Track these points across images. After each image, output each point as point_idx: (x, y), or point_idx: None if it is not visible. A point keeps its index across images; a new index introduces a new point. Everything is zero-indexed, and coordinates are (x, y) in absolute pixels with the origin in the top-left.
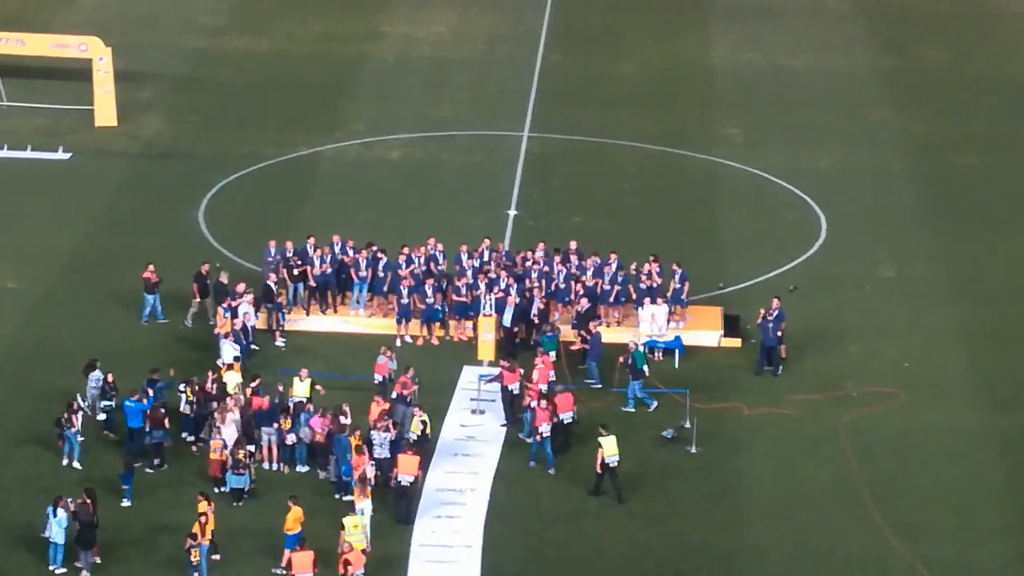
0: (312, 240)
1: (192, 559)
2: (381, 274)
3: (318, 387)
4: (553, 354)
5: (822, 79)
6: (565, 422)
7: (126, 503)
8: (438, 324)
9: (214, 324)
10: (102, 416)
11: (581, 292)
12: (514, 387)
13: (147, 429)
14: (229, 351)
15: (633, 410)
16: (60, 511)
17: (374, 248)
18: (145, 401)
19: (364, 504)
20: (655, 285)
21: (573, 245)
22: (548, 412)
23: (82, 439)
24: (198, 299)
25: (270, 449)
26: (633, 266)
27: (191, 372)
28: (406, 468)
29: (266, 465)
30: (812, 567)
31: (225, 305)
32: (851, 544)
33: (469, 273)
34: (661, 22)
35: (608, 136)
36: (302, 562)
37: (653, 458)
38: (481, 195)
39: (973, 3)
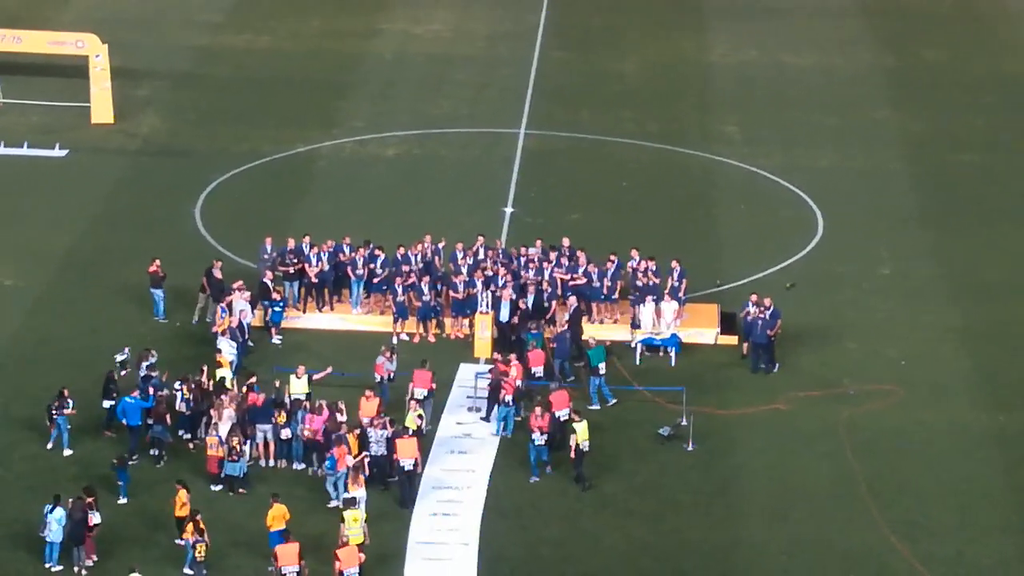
0: (307, 239)
1: (197, 555)
2: (380, 271)
3: (323, 372)
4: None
5: (821, 78)
6: (561, 419)
7: (123, 500)
8: (434, 321)
9: (212, 322)
10: (108, 403)
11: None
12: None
13: (149, 423)
14: (227, 348)
15: (598, 407)
16: (58, 510)
17: (371, 246)
18: (146, 399)
19: (358, 492)
20: (652, 283)
21: (566, 242)
22: (545, 419)
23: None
24: (207, 294)
25: (266, 446)
26: (630, 264)
27: (188, 369)
28: (405, 452)
29: (263, 462)
30: (810, 564)
31: (223, 305)
32: (849, 541)
33: (465, 270)
34: (660, 20)
35: (606, 134)
36: (287, 553)
37: (650, 456)
38: (478, 192)
39: (972, 2)
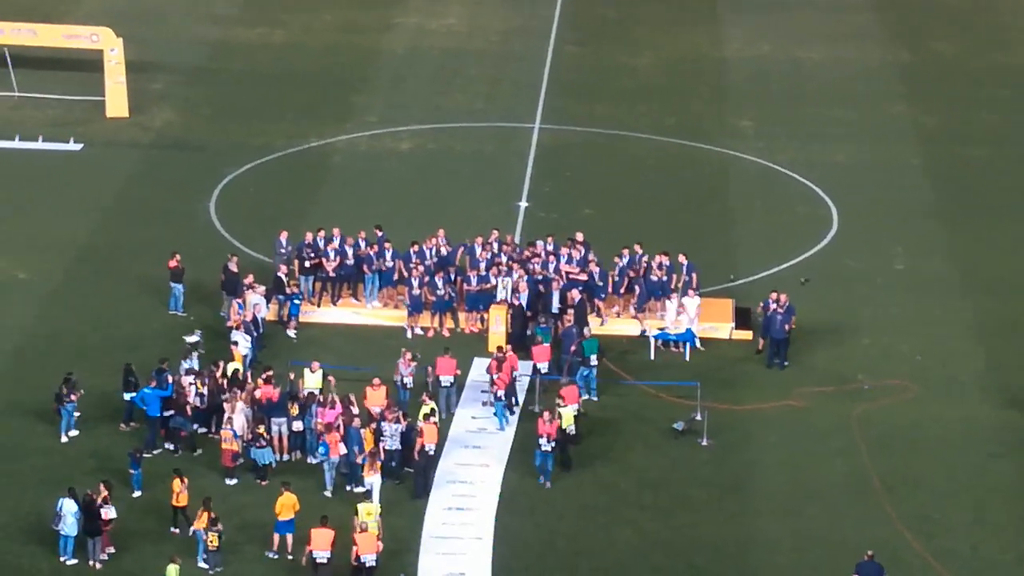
0: (323, 233)
1: (209, 544)
2: (390, 263)
3: (330, 378)
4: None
5: (835, 72)
6: (572, 414)
7: (137, 493)
8: (449, 315)
9: (227, 316)
10: (128, 396)
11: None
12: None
13: (167, 414)
14: (242, 342)
15: (587, 397)
16: (71, 503)
17: (379, 234)
18: (164, 388)
19: (374, 478)
20: (665, 278)
21: (580, 236)
22: (553, 426)
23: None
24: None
25: (280, 439)
26: (644, 259)
27: (203, 363)
28: (431, 437)
29: (277, 456)
30: (822, 560)
31: (240, 301)
32: (862, 537)
33: (482, 265)
34: (674, 14)
35: (620, 128)
36: (321, 539)
37: (664, 451)
38: (492, 187)
39: None
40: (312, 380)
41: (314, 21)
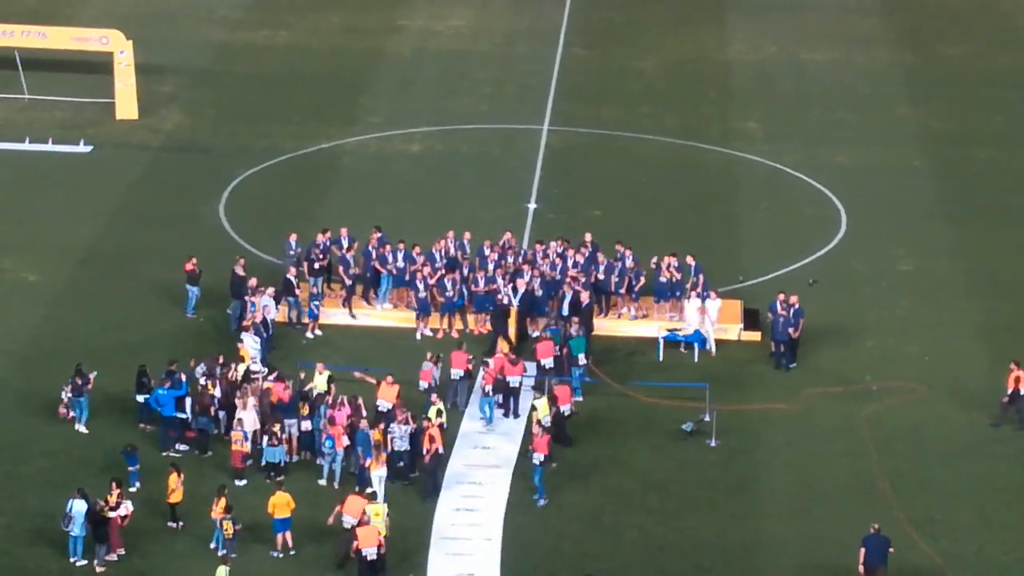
0: (328, 235)
1: (225, 533)
2: (401, 264)
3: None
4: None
5: (841, 74)
6: (565, 414)
7: (135, 487)
8: (458, 317)
9: (232, 317)
10: (142, 398)
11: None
12: (513, 380)
13: (192, 415)
14: (251, 344)
15: (580, 399)
16: (80, 503)
17: (379, 235)
18: (178, 387)
19: (380, 471)
20: (675, 280)
21: (588, 237)
22: (546, 440)
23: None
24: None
25: (290, 440)
26: (653, 260)
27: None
28: (437, 440)
29: (287, 457)
30: (829, 561)
31: (253, 300)
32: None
33: (490, 267)
34: (680, 16)
35: (627, 130)
36: (367, 536)
37: (672, 452)
38: (500, 188)
39: None
40: (318, 382)
41: (321, 23)
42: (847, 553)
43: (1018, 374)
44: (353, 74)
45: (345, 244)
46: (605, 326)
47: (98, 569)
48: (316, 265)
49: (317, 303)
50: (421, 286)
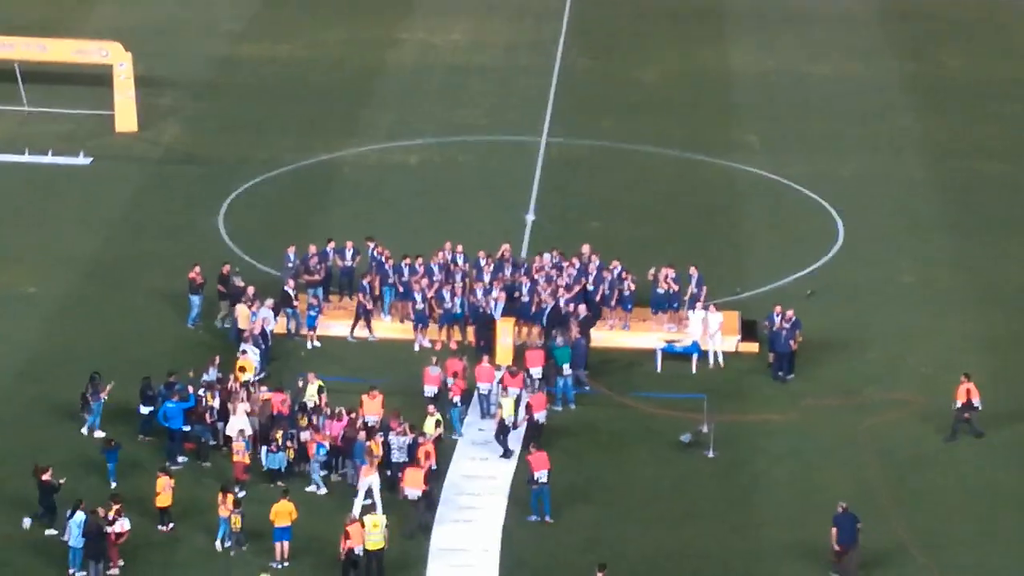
0: (332, 244)
1: (233, 527)
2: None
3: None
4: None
5: (842, 85)
6: (540, 422)
7: (112, 485)
8: (456, 328)
9: (232, 326)
10: (146, 410)
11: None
12: (512, 392)
13: (188, 425)
14: (251, 354)
15: (560, 408)
16: (78, 514)
17: (371, 245)
18: (186, 399)
19: (372, 479)
20: (672, 291)
21: (586, 249)
22: (544, 457)
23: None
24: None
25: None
26: (651, 272)
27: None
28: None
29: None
30: (829, 572)
31: (253, 309)
32: (869, 550)
33: (487, 278)
34: (681, 29)
35: (627, 142)
36: (358, 534)
37: (671, 463)
38: (499, 200)
39: (995, 8)
40: (309, 391)
41: (321, 36)
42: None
43: (968, 386)
44: (353, 87)
45: (349, 255)
46: (602, 337)
47: None
48: (318, 276)
49: (314, 314)
50: (419, 298)
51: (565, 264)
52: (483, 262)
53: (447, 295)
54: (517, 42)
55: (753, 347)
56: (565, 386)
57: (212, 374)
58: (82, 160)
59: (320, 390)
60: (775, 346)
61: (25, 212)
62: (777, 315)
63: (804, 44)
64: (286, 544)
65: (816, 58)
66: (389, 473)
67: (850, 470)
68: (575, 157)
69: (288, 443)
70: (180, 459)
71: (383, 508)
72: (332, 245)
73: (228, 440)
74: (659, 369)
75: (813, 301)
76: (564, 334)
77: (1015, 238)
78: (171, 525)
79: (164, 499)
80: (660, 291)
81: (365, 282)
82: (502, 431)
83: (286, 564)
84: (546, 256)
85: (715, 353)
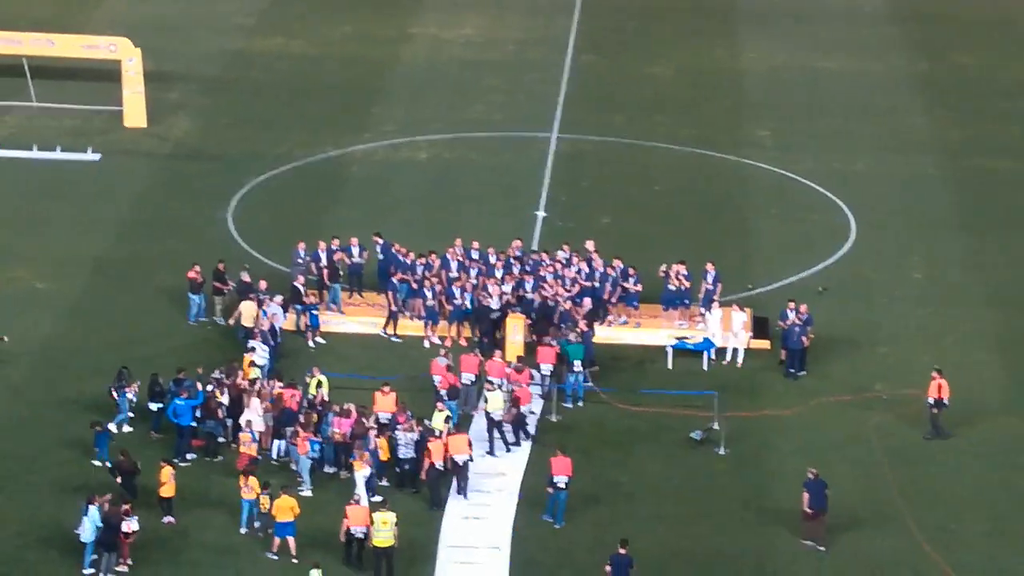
0: (336, 241)
1: (263, 506)
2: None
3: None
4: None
5: (854, 82)
6: (525, 416)
7: (97, 463)
8: (467, 323)
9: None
10: (155, 406)
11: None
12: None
13: (199, 419)
14: (260, 351)
15: (570, 405)
16: (92, 509)
17: (380, 241)
18: (195, 396)
19: (363, 471)
20: (684, 288)
21: (591, 245)
22: (566, 463)
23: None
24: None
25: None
26: (662, 268)
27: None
28: (458, 448)
29: (293, 467)
30: (841, 571)
31: (265, 308)
32: (880, 548)
33: (498, 274)
34: (692, 25)
35: (638, 138)
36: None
37: (682, 460)
38: (510, 196)
39: (1008, 7)
40: (312, 386)
41: (332, 31)
42: (859, 562)
43: (940, 382)
44: (364, 82)
45: (356, 252)
46: (613, 335)
47: None
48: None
49: (316, 311)
50: (429, 294)
51: (575, 260)
52: (493, 258)
53: (457, 292)
54: (528, 38)
55: (765, 344)
56: (576, 383)
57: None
58: (91, 156)
59: (319, 385)
60: (788, 342)
61: (33, 208)
62: (791, 311)
63: (815, 40)
64: (291, 540)
65: (827, 55)
66: (398, 470)
67: (861, 467)
68: (586, 153)
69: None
70: (189, 456)
71: (391, 505)
72: (336, 243)
73: (238, 434)
74: (670, 366)
75: (825, 297)
76: (574, 330)
77: None
78: (171, 518)
79: (168, 489)
80: (672, 288)
81: (396, 280)
82: (493, 425)
83: (294, 561)
84: (559, 253)
85: (734, 351)
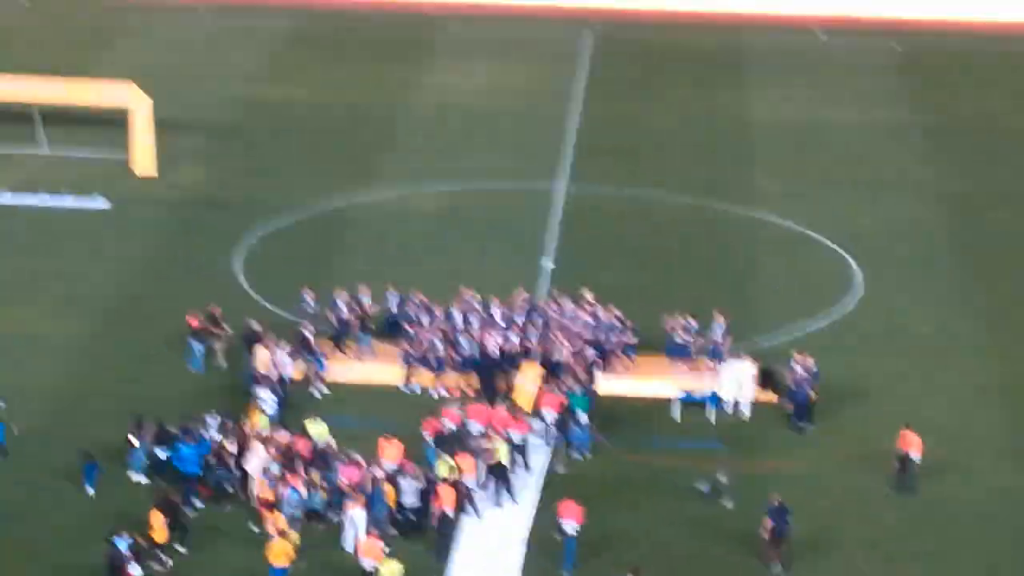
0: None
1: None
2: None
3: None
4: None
5: (859, 133)
6: (517, 443)
7: (90, 491)
8: (474, 373)
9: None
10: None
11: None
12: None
13: (210, 467)
14: (267, 399)
15: (578, 457)
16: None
17: (393, 292)
18: (197, 442)
19: (356, 512)
20: (689, 340)
21: (589, 295)
22: (574, 508)
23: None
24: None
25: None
26: (667, 320)
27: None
28: (448, 499)
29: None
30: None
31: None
32: None
33: (502, 324)
34: (699, 76)
35: (646, 188)
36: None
37: (688, 512)
38: (517, 246)
39: (1011, 57)
40: (312, 431)
41: (340, 79)
42: None
43: (909, 436)
44: (372, 130)
45: (367, 302)
46: (618, 386)
47: None
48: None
49: (323, 358)
50: (439, 344)
51: (579, 311)
52: (497, 309)
53: (464, 342)
54: (536, 87)
55: (771, 396)
56: (580, 435)
57: (216, 419)
58: (100, 203)
59: (305, 431)
60: (794, 395)
61: (43, 254)
62: (796, 364)
63: (820, 92)
64: None
65: (832, 105)
66: (401, 518)
67: (867, 520)
68: (593, 203)
69: (323, 484)
70: (197, 503)
71: (393, 551)
72: (366, 291)
73: (246, 482)
74: (677, 418)
75: (829, 350)
76: (577, 380)
77: None
78: (170, 563)
79: (160, 535)
80: (678, 340)
81: (412, 331)
82: (497, 474)
83: None
84: (566, 304)
85: (738, 403)
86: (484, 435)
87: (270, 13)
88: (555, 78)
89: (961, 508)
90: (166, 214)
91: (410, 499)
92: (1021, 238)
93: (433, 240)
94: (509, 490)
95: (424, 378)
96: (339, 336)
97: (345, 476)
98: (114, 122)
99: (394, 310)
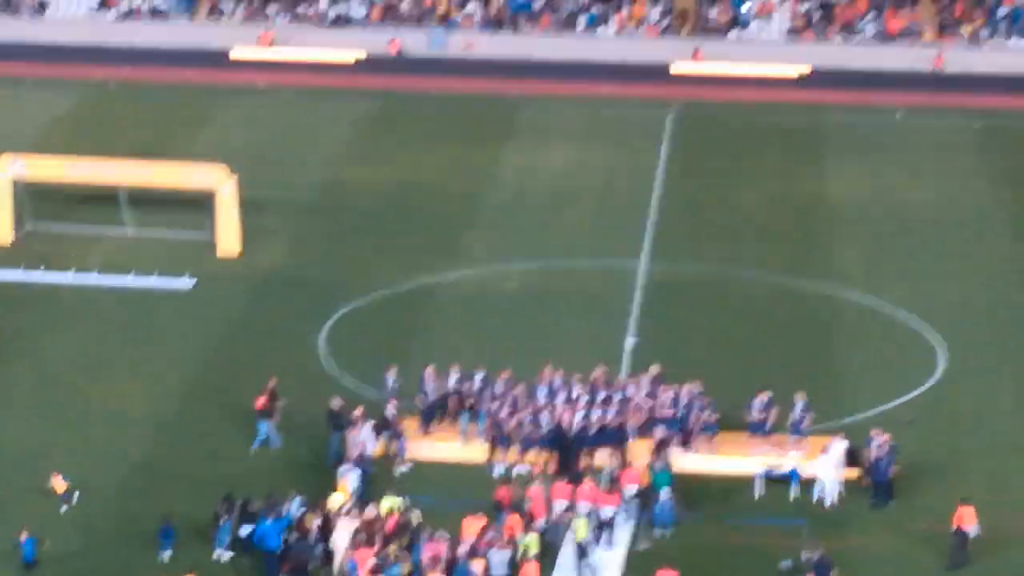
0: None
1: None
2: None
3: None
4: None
5: (940, 211)
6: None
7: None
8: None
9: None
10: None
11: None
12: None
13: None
14: (352, 478)
15: (658, 534)
16: None
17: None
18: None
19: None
20: (763, 419)
21: (654, 370)
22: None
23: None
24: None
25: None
26: (750, 399)
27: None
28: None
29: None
30: None
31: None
32: None
33: (583, 402)
34: (779, 154)
35: (727, 266)
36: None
37: None
38: (599, 324)
39: None
40: (382, 506)
41: (422, 159)
42: None
43: (964, 511)
44: (454, 209)
45: (455, 380)
46: (699, 463)
47: None
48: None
49: (404, 437)
50: (511, 419)
51: (660, 389)
52: (577, 387)
53: (545, 419)
54: (616, 166)
55: (853, 473)
56: (662, 511)
57: (299, 497)
58: (186, 282)
59: (391, 509)
60: (874, 472)
61: (128, 333)
62: (877, 439)
63: (900, 170)
64: None
65: (913, 184)
66: None
67: None
68: (674, 281)
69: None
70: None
71: None
72: (457, 369)
73: (330, 559)
74: (757, 495)
75: (914, 427)
76: (661, 457)
77: None
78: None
79: None
80: (757, 417)
81: (495, 408)
82: (582, 553)
83: None
84: (643, 380)
85: (825, 483)
86: (566, 511)
87: (353, 94)
88: (635, 158)
89: None
90: (249, 293)
91: (499, 571)
92: None
93: (516, 318)
94: (590, 565)
95: (507, 456)
96: (427, 414)
97: (429, 551)
98: (199, 202)
99: (478, 387)
